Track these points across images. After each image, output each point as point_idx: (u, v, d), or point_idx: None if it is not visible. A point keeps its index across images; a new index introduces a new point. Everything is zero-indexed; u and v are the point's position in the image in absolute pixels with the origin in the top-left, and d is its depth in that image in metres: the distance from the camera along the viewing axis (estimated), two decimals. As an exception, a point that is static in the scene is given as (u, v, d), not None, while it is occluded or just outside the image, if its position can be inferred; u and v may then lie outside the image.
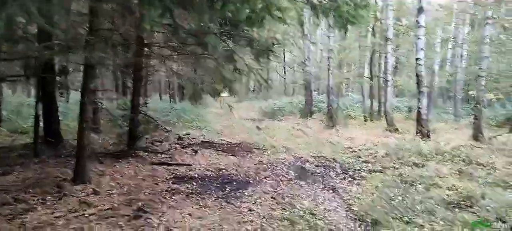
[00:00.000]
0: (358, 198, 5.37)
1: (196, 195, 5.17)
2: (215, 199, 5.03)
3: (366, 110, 17.76)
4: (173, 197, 4.96)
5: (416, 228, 4.16)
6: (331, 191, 5.91)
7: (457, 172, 6.63)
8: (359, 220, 4.52)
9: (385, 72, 14.27)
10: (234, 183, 6.01)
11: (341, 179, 6.76)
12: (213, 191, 5.45)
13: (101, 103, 9.02)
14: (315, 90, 22.94)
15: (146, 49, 7.72)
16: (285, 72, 36.41)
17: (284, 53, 33.34)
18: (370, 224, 4.39)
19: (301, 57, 23.48)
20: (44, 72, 6.41)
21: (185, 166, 6.92)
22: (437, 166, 6.98)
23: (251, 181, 6.20)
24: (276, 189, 5.77)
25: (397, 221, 4.41)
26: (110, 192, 5.08)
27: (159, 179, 5.86)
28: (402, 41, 22.16)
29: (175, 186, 5.51)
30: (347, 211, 4.89)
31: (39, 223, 3.82)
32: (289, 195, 5.41)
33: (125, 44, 6.22)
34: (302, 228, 4.12)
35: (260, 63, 7.29)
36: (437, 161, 7.49)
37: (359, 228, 4.30)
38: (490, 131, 13.03)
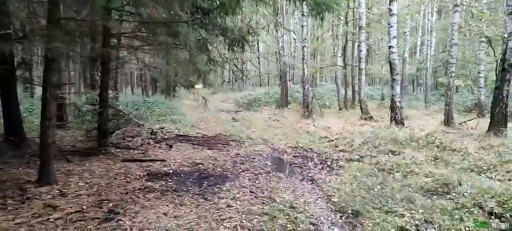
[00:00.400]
0: (337, 188, 5.31)
1: (171, 192, 4.93)
2: (192, 196, 4.81)
3: (340, 99, 17.92)
4: (146, 195, 4.70)
5: (397, 217, 4.13)
6: (310, 182, 5.83)
7: (433, 159, 6.73)
8: (339, 212, 4.45)
9: (358, 61, 14.37)
10: (211, 178, 5.81)
11: (320, 169, 6.71)
12: (189, 188, 5.22)
13: (65, 98, 8.54)
14: (290, 80, 22.94)
15: (114, 40, 7.31)
16: (259, 63, 36.22)
17: (258, 44, 33.13)
18: (351, 215, 4.32)
19: (276, 47, 23.37)
20: (1, 65, 5.90)
21: (159, 162, 6.64)
22: (413, 153, 7.06)
23: (228, 175, 6.02)
24: (254, 182, 5.62)
25: (378, 210, 4.37)
26: (79, 193, 4.76)
27: (131, 177, 5.56)
28: (373, 29, 22.46)
29: (149, 183, 5.23)
30: (327, 202, 4.81)
31: (-2, 232, 3.49)
32: (268, 188, 5.28)
33: (90, 35, 5.82)
34: (283, 223, 3.99)
35: (235, 53, 7.07)
36: (413, 148, 7.59)
37: (340, 220, 4.23)
38: (460, 117, 13.48)
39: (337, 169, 6.61)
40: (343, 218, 4.28)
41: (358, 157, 7.40)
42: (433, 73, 21.85)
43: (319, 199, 4.96)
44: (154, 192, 4.87)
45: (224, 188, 5.21)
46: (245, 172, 6.29)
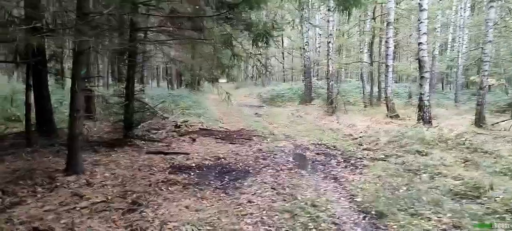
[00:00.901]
0: (361, 188, 5.18)
1: (193, 185, 4.98)
2: (213, 190, 4.84)
3: (366, 96, 17.53)
4: (169, 188, 4.77)
5: (423, 221, 3.99)
6: (333, 180, 5.73)
7: (462, 160, 6.45)
8: (363, 212, 4.34)
9: (386, 57, 13.99)
10: (233, 173, 5.82)
11: (343, 168, 6.58)
12: (211, 181, 5.26)
13: (93, 91, 8.78)
14: (314, 76, 22.68)
15: (140, 34, 7.44)
16: (283, 58, 36.00)
17: (282, 39, 32.92)
18: (375, 216, 4.21)
19: (300, 42, 23.14)
20: (33, 58, 6.13)
21: (182, 155, 6.73)
22: (441, 154, 6.80)
23: (250, 170, 6.01)
24: (276, 178, 5.58)
25: (403, 212, 4.23)
26: (104, 183, 4.89)
27: (155, 169, 5.66)
28: (401, 25, 21.81)
29: (172, 176, 5.31)
30: (350, 202, 4.70)
31: (28, 218, 3.62)
32: (290, 185, 5.23)
33: (118, 29, 5.94)
34: (304, 221, 3.93)
35: (259, 48, 7.03)
36: (441, 149, 7.31)
37: (363, 221, 4.12)
38: (492, 117, 12.88)
39: (361, 168, 6.46)
40: (367, 219, 4.17)
41: (383, 156, 7.19)
42: (464, 71, 21.00)
43: (342, 198, 4.86)
44: (176, 184, 4.93)
45: (245, 184, 5.21)
46: (267, 167, 6.27)
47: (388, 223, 3.99)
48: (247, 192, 4.83)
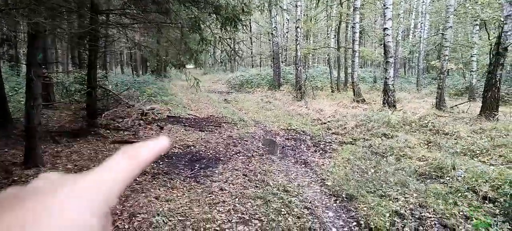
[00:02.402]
0: (331, 172, 5.27)
1: (162, 175, 4.84)
2: (184, 179, 4.73)
3: (333, 81, 17.83)
4: (137, 178, 4.59)
5: (391, 201, 4.11)
6: (303, 165, 5.78)
7: (426, 142, 6.72)
8: (334, 196, 4.41)
9: (352, 42, 14.22)
10: (204, 161, 5.72)
11: (313, 152, 6.66)
12: (181, 170, 5.14)
13: (51, 77, 8.27)
14: (282, 62, 22.73)
15: (102, 17, 7.04)
16: (252, 43, 35.79)
17: (250, 24, 32.63)
18: (345, 199, 4.28)
19: (268, 27, 23.05)
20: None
21: (150, 144, 6.50)
22: (406, 137, 7.04)
23: (221, 158, 5.93)
24: (247, 165, 5.55)
25: (371, 194, 4.34)
26: (67, 175, 4.63)
27: (121, 159, 5.43)
28: (367, 10, 22.24)
29: (139, 166, 5.12)
30: (321, 186, 4.77)
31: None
32: (261, 171, 5.21)
33: (77, 11, 5.57)
34: (276, 207, 3.93)
35: (228, 32, 6.87)
36: (406, 131, 7.57)
37: (334, 204, 4.19)
38: (451, 100, 13.54)
39: (330, 152, 6.57)
40: (338, 202, 4.24)
41: (351, 140, 7.36)
42: (425, 56, 21.86)
43: (313, 183, 4.92)
44: (145, 175, 4.76)
45: (216, 171, 5.13)
46: (238, 154, 6.22)
47: (359, 205, 4.07)
48: (218, 180, 4.76)
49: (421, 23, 20.40)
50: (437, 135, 7.19)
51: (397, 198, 4.20)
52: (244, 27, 7.35)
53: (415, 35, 23.10)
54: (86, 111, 7.07)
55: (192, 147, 6.57)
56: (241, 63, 33.45)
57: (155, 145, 0.33)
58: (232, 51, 7.81)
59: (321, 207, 4.07)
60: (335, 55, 18.71)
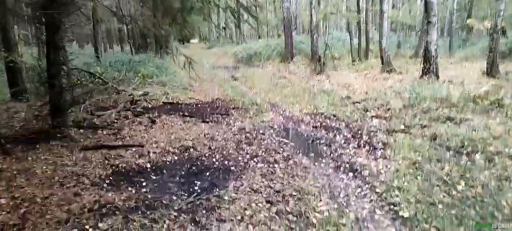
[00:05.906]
0: (398, 187, 3.47)
1: (143, 208, 3.12)
2: (175, 218, 2.99)
3: (353, 49, 15.71)
4: (100, 223, 2.87)
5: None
6: (350, 172, 4.00)
7: (516, 129, 4.85)
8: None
9: (380, 2, 12.04)
10: (207, 174, 3.98)
11: (355, 148, 4.87)
12: (173, 196, 3.41)
13: (17, 62, 6.52)
14: (294, 31, 20.55)
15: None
16: (257, 11, 33.36)
17: (255, -10, 30.13)
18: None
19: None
20: None
21: (134, 149, 4.78)
22: (480, 119, 5.18)
23: (231, 167, 4.19)
24: (270, 180, 3.80)
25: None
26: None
27: (87, 182, 3.71)
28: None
29: (109, 195, 3.39)
30: (393, 219, 2.98)
31: None
32: (294, 192, 3.46)
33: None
34: None
35: None
36: (475, 112, 5.70)
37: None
38: (501, 64, 11.45)
39: (381, 148, 4.75)
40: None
41: (403, 128, 5.52)
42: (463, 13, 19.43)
43: (377, 210, 3.14)
44: (114, 213, 3.04)
45: (226, 196, 3.38)
46: (255, 158, 4.46)
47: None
48: (230, 217, 3.02)
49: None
50: (523, 115, 5.31)
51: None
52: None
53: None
54: (50, 107, 5.30)
55: (191, 150, 4.83)
56: (246, 35, 31.32)
57: None
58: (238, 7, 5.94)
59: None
60: (355, 20, 16.47)
